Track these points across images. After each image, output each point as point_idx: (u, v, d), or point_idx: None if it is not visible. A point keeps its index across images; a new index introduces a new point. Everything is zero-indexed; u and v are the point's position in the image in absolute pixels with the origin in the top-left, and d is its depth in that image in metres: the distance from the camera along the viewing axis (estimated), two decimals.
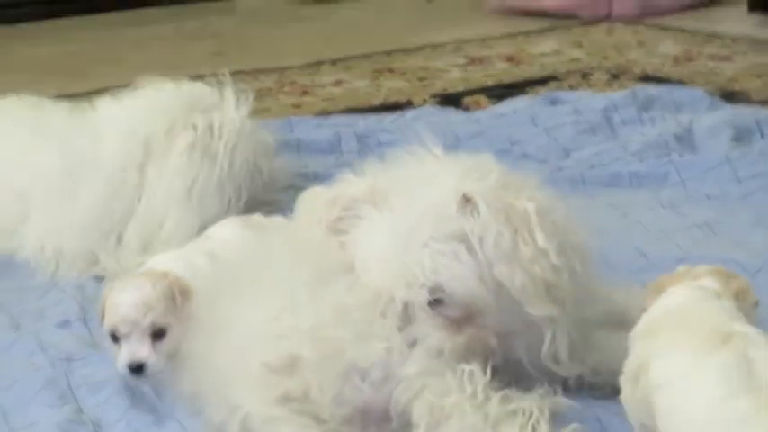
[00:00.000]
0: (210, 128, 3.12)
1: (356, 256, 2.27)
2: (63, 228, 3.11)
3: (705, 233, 3.17)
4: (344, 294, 2.22)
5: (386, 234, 2.26)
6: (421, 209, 2.24)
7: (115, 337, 2.37)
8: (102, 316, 2.40)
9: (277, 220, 2.81)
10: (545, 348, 2.25)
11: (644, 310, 2.16)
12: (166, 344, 2.36)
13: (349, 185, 2.37)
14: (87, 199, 3.10)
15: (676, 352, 1.97)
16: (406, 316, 2.22)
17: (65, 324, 2.74)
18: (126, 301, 2.35)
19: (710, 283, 2.15)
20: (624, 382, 2.06)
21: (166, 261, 2.57)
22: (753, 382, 1.85)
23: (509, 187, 2.28)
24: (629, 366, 2.06)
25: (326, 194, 2.39)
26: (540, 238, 2.22)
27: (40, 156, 3.20)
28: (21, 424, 2.36)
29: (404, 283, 2.20)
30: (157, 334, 2.35)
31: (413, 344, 2.19)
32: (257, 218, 2.89)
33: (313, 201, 2.44)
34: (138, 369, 2.34)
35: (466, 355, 2.20)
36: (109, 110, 3.22)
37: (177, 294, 2.37)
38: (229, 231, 2.75)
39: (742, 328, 1.98)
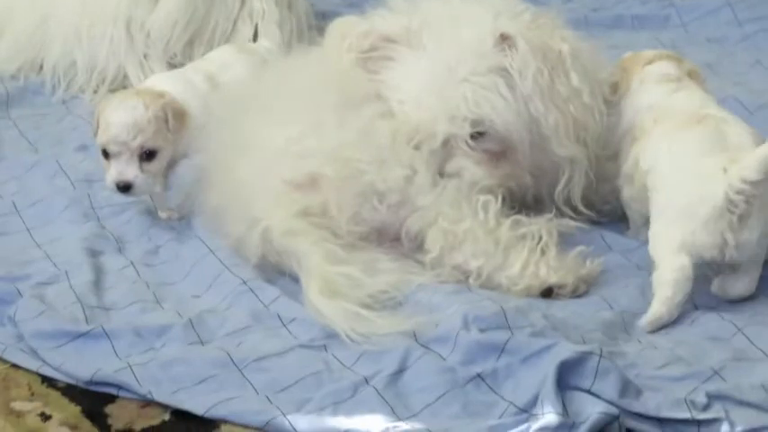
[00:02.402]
0: None
1: (391, 97, 2.30)
2: (99, 41, 3.14)
3: (706, 73, 3.14)
4: (371, 120, 2.26)
5: (423, 72, 2.28)
6: (457, 46, 2.27)
7: (106, 154, 2.38)
8: (96, 131, 2.41)
9: (265, 44, 2.90)
10: (559, 188, 2.33)
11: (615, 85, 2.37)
12: (155, 164, 2.38)
13: (384, 22, 2.37)
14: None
15: (658, 139, 2.18)
16: (445, 151, 2.27)
17: (82, 148, 2.78)
18: (117, 121, 2.35)
19: (667, 67, 2.34)
20: (622, 185, 2.26)
21: (165, 80, 2.56)
22: (724, 146, 2.10)
23: (542, 27, 2.31)
24: (624, 169, 2.25)
25: (360, 25, 2.38)
26: (575, 79, 2.28)
27: None
28: (45, 239, 2.43)
29: (446, 117, 2.24)
30: (147, 155, 2.36)
31: (451, 177, 2.25)
32: (250, 44, 2.96)
33: (344, 29, 2.42)
34: (124, 188, 2.36)
35: (501, 190, 2.26)
36: None
37: (170, 117, 2.38)
38: (228, 55, 2.76)
39: (715, 110, 2.22)
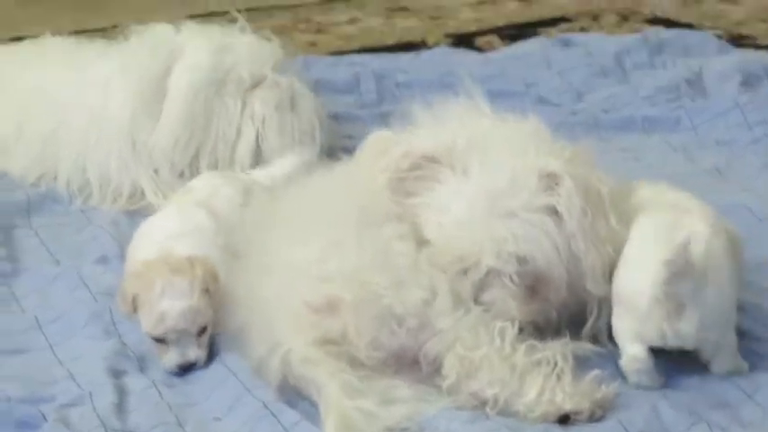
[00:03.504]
0: (290, 86, 3.26)
1: (430, 219, 2.34)
2: (108, 157, 3.19)
3: (715, 178, 3.27)
4: (390, 241, 2.31)
5: (468, 199, 2.32)
6: (503, 177, 2.32)
7: (158, 339, 2.38)
8: (132, 309, 2.37)
9: (252, 176, 2.92)
10: (588, 325, 2.37)
11: None
12: (207, 334, 2.39)
13: (424, 140, 2.40)
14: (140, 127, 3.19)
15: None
16: (483, 281, 2.31)
17: (103, 260, 2.81)
18: (171, 311, 2.33)
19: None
20: None
21: (179, 236, 2.51)
22: (672, 236, 2.22)
23: (582, 165, 2.37)
24: None
25: (399, 145, 2.41)
26: (613, 221, 2.34)
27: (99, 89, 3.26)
28: (68, 356, 2.46)
29: (493, 250, 2.28)
30: (201, 331, 2.37)
31: (486, 308, 2.29)
32: (228, 171, 2.99)
33: (381, 146, 2.45)
34: (188, 368, 2.36)
35: (528, 326, 2.30)
36: (186, 42, 3.26)
37: (210, 284, 2.37)
38: (212, 180, 2.81)
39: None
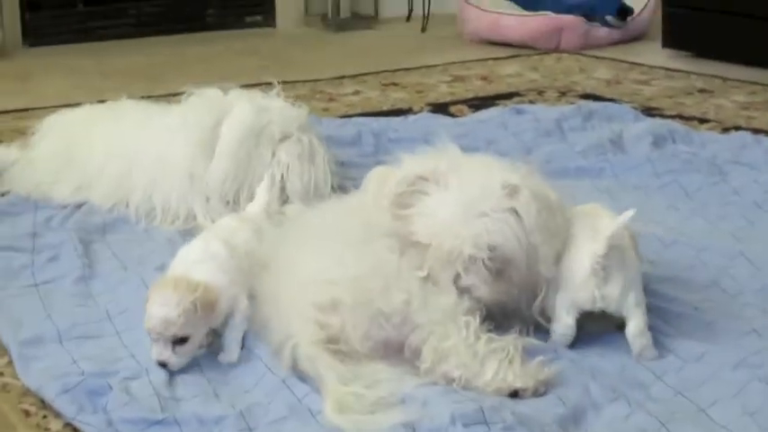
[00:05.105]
0: (310, 143, 3.19)
1: (422, 223, 2.29)
2: (171, 188, 3.14)
3: None
4: (381, 254, 2.25)
5: (450, 206, 2.28)
6: (476, 189, 2.28)
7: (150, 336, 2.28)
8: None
9: (253, 210, 2.80)
10: (538, 301, 2.32)
11: None
12: (187, 347, 2.25)
13: (416, 164, 2.37)
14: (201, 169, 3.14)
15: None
16: (463, 268, 2.26)
17: (161, 267, 2.71)
18: (154, 315, 2.22)
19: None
20: None
21: (197, 262, 2.39)
22: (595, 231, 2.31)
23: (534, 178, 2.36)
24: None
25: (398, 173, 2.37)
26: (560, 219, 2.32)
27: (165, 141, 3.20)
28: (131, 341, 2.40)
29: (472, 241, 2.24)
30: (180, 340, 2.24)
31: (464, 291, 2.25)
32: (246, 213, 2.85)
33: (382, 177, 2.42)
34: (162, 365, 2.24)
35: (495, 302, 2.26)
36: (239, 106, 3.20)
37: (199, 308, 2.23)
38: (234, 223, 2.67)
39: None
